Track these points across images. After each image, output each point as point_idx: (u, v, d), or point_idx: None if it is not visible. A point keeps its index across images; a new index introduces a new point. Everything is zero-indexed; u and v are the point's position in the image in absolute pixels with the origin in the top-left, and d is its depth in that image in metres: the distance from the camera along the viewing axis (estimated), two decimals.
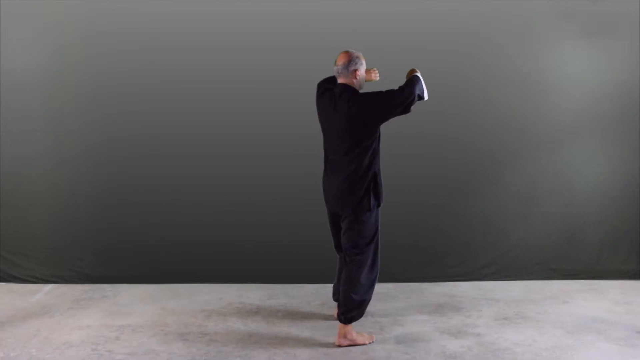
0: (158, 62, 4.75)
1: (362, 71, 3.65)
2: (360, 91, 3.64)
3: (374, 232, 3.62)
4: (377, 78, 3.84)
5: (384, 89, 3.60)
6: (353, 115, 3.51)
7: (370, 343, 3.60)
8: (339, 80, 3.65)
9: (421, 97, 3.66)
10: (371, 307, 4.15)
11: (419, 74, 3.71)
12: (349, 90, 3.59)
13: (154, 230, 4.79)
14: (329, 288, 4.22)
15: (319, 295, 4.37)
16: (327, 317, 4.03)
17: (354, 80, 3.62)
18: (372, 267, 3.63)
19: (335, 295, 3.95)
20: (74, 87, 4.76)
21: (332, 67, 3.82)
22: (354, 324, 3.63)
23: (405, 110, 3.58)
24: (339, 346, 3.55)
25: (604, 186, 4.97)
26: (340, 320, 3.57)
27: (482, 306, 4.27)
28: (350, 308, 3.56)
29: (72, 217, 4.79)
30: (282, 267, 4.76)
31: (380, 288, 4.49)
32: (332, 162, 3.65)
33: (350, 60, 3.60)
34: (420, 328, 3.84)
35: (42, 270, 4.77)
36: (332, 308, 4.10)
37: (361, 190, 3.54)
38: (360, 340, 3.59)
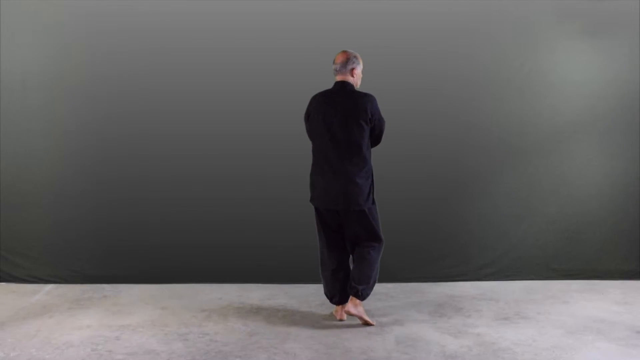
0: (157, 62, 4.75)
1: (359, 70, 3.90)
2: (356, 89, 3.89)
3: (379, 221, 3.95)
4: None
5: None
6: (356, 106, 3.78)
7: (372, 325, 3.86)
8: (337, 78, 3.89)
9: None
10: (371, 307, 4.18)
11: None
12: (349, 86, 3.86)
13: (154, 230, 4.79)
14: None
15: (319, 295, 4.36)
16: (327, 317, 4.03)
17: (351, 78, 3.87)
18: (381, 249, 3.96)
19: (335, 298, 3.97)
20: (74, 87, 4.76)
21: (331, 68, 3.95)
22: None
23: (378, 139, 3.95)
24: (348, 312, 3.84)
25: (604, 186, 4.97)
26: (357, 297, 3.84)
27: (482, 306, 4.27)
28: (368, 287, 3.88)
29: (72, 217, 4.79)
30: (282, 267, 4.76)
31: (380, 288, 4.50)
32: (332, 160, 3.81)
33: (348, 59, 3.85)
34: (420, 328, 3.84)
35: (42, 270, 4.76)
36: (332, 308, 4.10)
37: (367, 185, 3.83)
38: (365, 316, 3.86)
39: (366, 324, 3.87)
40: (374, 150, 3.95)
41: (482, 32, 4.85)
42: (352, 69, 3.85)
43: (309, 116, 3.95)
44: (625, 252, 4.97)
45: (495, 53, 4.88)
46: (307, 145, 4.01)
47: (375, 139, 3.91)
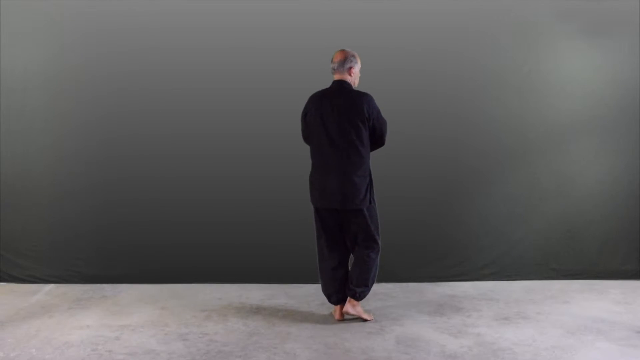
0: (157, 62, 4.75)
1: (356, 69, 3.91)
2: (354, 88, 3.90)
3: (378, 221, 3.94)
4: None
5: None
6: (353, 105, 3.79)
7: (371, 320, 3.92)
8: (335, 77, 3.90)
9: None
10: (371, 307, 4.18)
11: None
12: (347, 85, 3.87)
13: (154, 230, 4.78)
14: None
15: (319, 295, 4.36)
16: (327, 317, 4.03)
17: (349, 77, 3.88)
18: (379, 251, 3.95)
19: (333, 297, 3.97)
20: (74, 86, 4.77)
21: (330, 68, 3.95)
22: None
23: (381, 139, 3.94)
24: (346, 313, 3.90)
25: (604, 186, 4.97)
26: (355, 298, 3.90)
27: (482, 306, 4.27)
28: (367, 289, 3.93)
29: (72, 217, 4.79)
30: (282, 267, 4.76)
31: (380, 288, 4.51)
32: (329, 159, 3.81)
33: (346, 58, 3.86)
34: (420, 328, 3.84)
35: (42, 270, 4.77)
36: (332, 307, 4.10)
37: (365, 184, 3.82)
38: (364, 315, 3.92)
39: (366, 320, 3.91)
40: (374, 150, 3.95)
41: (482, 32, 4.85)
42: (350, 68, 3.86)
43: (305, 115, 3.94)
44: (625, 252, 4.97)
45: (495, 53, 4.88)
46: (307, 145, 4.01)
47: (377, 140, 3.90)
